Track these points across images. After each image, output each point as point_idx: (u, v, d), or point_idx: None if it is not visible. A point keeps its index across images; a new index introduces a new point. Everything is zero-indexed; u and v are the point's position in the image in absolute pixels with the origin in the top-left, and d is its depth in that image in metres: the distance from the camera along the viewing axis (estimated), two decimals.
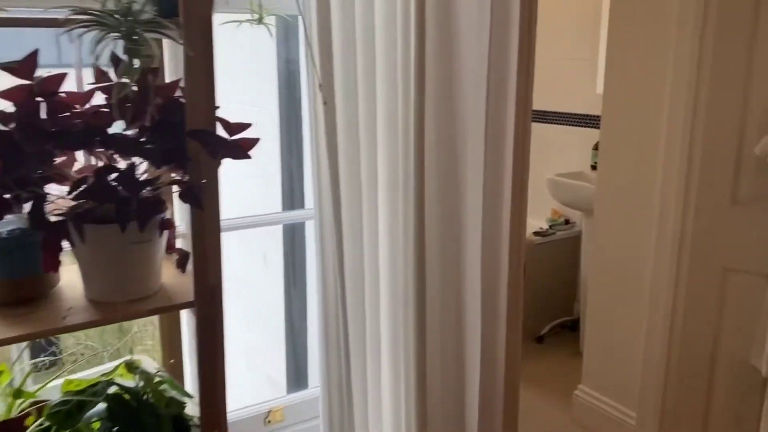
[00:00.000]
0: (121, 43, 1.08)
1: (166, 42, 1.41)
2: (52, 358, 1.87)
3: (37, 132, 1.08)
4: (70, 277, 1.29)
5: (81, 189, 1.12)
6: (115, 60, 1.10)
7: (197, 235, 1.19)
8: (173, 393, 1.32)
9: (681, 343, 2.26)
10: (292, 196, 2.58)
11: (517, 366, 1.57)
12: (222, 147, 1.16)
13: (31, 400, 1.44)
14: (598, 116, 2.64)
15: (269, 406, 2.38)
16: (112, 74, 1.13)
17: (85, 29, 1.05)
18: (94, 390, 1.25)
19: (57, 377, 1.51)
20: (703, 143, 2.07)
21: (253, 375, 2.98)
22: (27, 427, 1.26)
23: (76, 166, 1.23)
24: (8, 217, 1.12)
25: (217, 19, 1.18)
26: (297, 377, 2.75)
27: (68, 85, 1.14)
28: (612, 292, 2.50)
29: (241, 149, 1.18)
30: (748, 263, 2.07)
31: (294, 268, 2.69)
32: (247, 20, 1.70)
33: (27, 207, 1.11)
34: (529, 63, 1.42)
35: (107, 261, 1.19)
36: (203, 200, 1.16)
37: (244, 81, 2.54)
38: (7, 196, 1.08)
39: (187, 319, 1.76)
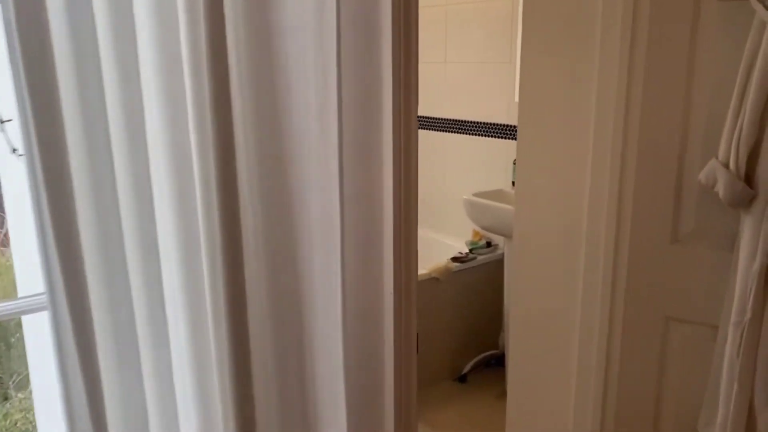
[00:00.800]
0: None
1: None
2: None
3: None
4: None
5: None
6: None
7: None
8: None
9: (618, 401, 1.90)
10: None
11: None
12: None
13: None
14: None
15: None
16: None
17: None
18: None
19: None
20: (637, 169, 1.70)
21: None
22: None
23: None
24: None
25: None
26: None
27: None
28: (535, 340, 2.12)
29: None
30: (693, 312, 1.71)
31: None
32: None
33: None
34: (408, 70, 1.22)
35: None
36: None
37: None
38: None
39: None
